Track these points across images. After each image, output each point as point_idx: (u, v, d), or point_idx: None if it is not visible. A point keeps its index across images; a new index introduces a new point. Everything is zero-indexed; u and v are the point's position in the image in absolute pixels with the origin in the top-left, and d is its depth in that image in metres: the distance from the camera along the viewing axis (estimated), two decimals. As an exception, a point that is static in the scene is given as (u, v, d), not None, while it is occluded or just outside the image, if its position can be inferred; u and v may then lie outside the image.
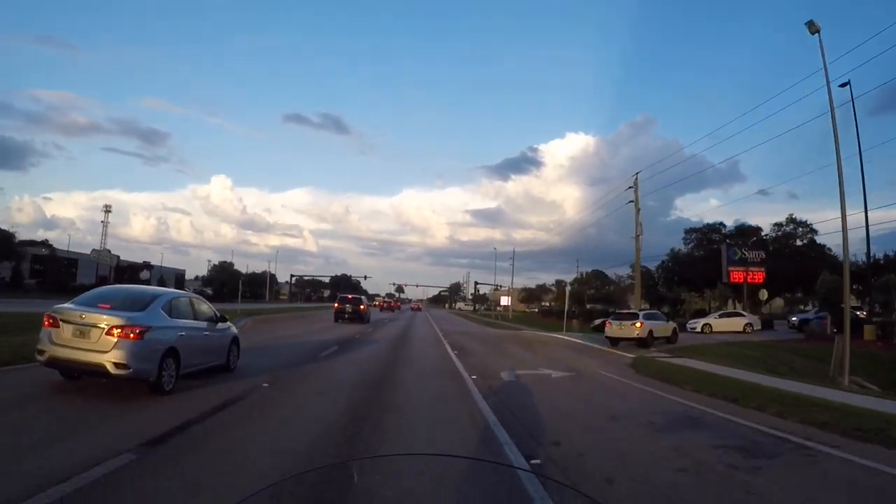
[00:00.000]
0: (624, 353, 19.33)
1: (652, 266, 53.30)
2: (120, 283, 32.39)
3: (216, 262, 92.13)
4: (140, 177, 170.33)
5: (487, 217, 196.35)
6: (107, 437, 5.32)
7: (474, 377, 11.41)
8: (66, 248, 71.99)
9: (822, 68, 15.58)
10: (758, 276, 40.56)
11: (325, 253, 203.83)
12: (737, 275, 40.82)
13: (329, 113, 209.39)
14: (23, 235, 60.06)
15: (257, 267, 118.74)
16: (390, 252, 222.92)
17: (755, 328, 34.36)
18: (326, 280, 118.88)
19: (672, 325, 25.35)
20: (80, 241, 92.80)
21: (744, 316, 35.07)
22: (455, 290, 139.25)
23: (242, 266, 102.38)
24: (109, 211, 78.92)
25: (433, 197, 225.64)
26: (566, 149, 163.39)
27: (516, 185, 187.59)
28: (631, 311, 26.58)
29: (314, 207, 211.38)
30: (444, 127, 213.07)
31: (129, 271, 64.80)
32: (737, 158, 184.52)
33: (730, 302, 45.03)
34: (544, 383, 11.43)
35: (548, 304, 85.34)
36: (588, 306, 51.87)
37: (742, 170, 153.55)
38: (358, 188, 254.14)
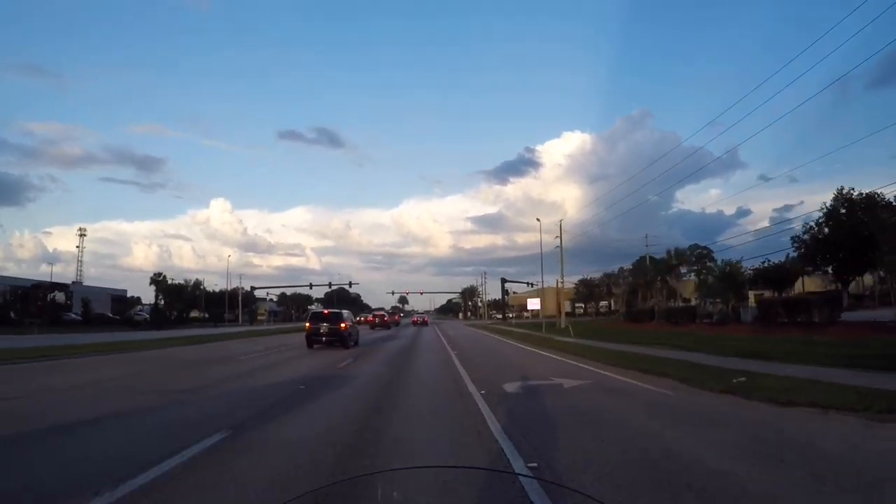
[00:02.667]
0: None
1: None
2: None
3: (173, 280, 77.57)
4: (139, 205, 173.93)
5: (489, 223, 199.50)
6: None
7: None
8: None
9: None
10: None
11: (328, 270, 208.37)
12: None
13: (323, 127, 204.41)
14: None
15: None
16: (394, 265, 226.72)
17: None
18: (320, 295, 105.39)
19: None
20: (85, 273, 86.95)
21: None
22: (469, 295, 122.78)
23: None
24: (84, 235, 79.02)
25: (433, 206, 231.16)
26: (563, 148, 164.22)
27: (515, 188, 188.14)
28: None
29: (315, 225, 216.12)
30: (439, 134, 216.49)
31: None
32: (736, 145, 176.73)
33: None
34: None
35: (608, 303, 71.90)
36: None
37: (742, 157, 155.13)
38: (357, 202, 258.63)
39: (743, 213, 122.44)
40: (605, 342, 23.97)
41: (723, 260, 42.85)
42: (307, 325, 25.28)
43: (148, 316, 56.37)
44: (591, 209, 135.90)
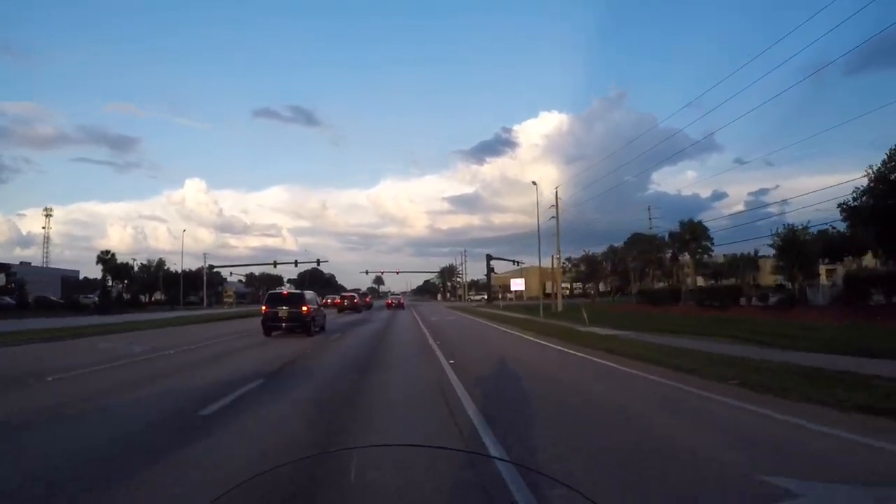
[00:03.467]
0: None
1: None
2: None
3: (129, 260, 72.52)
4: (113, 186, 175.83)
5: (465, 203, 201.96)
6: None
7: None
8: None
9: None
10: None
11: (305, 251, 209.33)
12: None
13: (298, 105, 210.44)
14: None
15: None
16: (371, 245, 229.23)
17: None
18: (293, 276, 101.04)
19: None
20: (59, 256, 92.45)
21: None
22: (449, 275, 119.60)
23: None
24: (50, 216, 74.96)
25: (410, 186, 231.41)
26: (541, 128, 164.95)
27: (492, 168, 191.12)
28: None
29: (291, 205, 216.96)
30: (416, 113, 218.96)
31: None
32: (713, 129, 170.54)
33: None
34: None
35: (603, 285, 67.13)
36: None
37: (718, 139, 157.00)
38: (334, 182, 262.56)
39: (718, 195, 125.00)
40: (645, 333, 18.69)
41: (785, 225, 32.93)
42: (263, 307, 21.84)
43: (97, 299, 51.40)
44: (568, 190, 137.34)
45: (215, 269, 73.31)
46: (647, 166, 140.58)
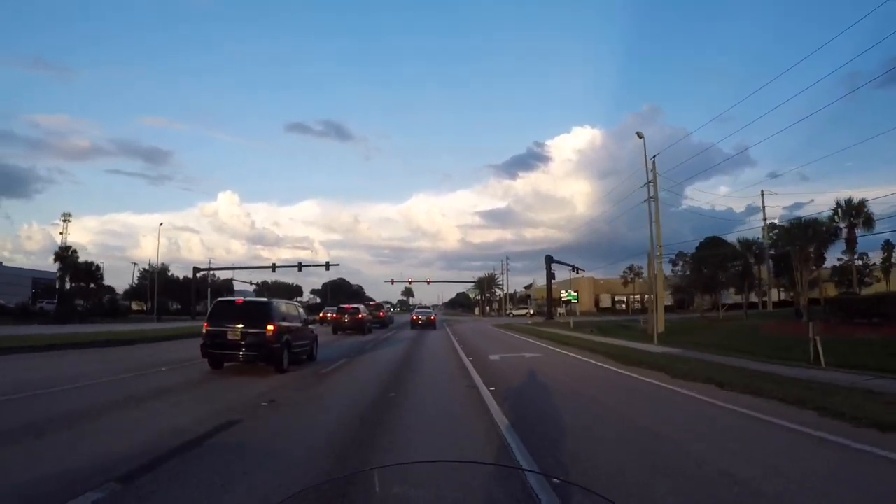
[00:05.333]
0: None
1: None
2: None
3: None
4: (148, 198, 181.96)
5: (497, 217, 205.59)
6: None
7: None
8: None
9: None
10: None
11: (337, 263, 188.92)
12: None
13: (330, 120, 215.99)
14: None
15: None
16: (402, 259, 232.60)
17: None
18: (317, 286, 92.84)
19: None
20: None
21: None
22: (488, 285, 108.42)
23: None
24: (69, 221, 67.96)
25: (442, 201, 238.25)
26: (573, 143, 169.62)
27: (524, 182, 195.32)
28: None
29: (323, 218, 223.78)
30: (448, 127, 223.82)
31: None
32: (746, 143, 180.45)
33: None
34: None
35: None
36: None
37: (752, 154, 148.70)
38: (366, 196, 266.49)
39: (752, 210, 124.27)
40: None
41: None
42: (205, 326, 13.40)
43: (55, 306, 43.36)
44: (601, 206, 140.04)
45: (205, 273, 64.31)
46: (680, 180, 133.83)
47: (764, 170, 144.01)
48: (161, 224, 59.88)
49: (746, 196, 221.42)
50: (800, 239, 36.09)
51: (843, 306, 29.84)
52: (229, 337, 12.94)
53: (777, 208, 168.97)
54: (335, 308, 34.92)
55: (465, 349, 20.31)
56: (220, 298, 14.94)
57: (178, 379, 11.72)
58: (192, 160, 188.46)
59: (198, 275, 70.07)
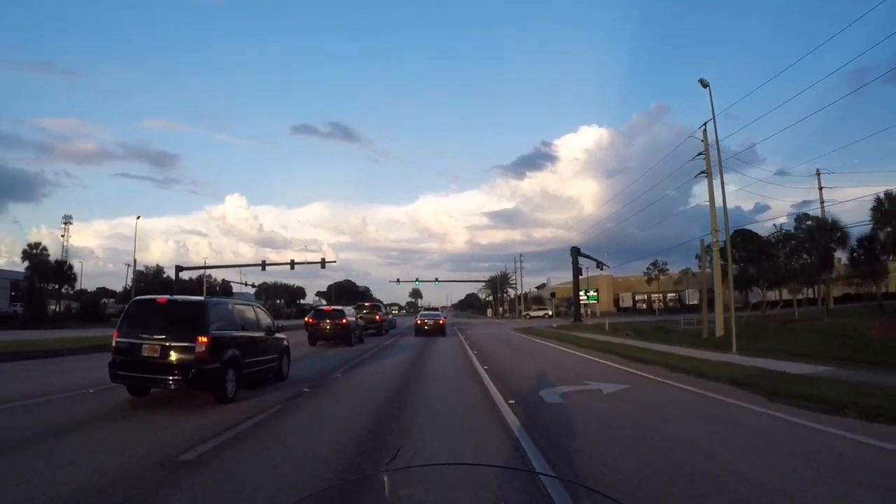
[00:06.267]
0: None
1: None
2: None
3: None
4: (156, 201, 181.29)
5: (505, 218, 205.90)
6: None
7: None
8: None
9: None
10: None
11: (345, 266, 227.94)
12: None
13: (337, 121, 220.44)
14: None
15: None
16: (410, 260, 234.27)
17: None
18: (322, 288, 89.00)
19: None
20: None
21: None
22: (501, 284, 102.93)
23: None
24: (69, 223, 71.47)
25: (449, 202, 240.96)
26: (580, 142, 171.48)
27: (532, 182, 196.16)
28: None
29: (331, 220, 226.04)
30: (455, 128, 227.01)
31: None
32: (754, 140, 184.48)
33: None
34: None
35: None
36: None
37: (760, 151, 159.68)
38: (373, 198, 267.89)
39: (761, 208, 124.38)
40: None
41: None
42: (115, 335, 9.42)
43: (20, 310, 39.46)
44: (610, 205, 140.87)
45: (182, 270, 59.75)
46: (688, 179, 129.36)
47: (772, 167, 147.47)
48: (138, 217, 55.61)
49: (755, 194, 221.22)
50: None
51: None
52: (145, 353, 8.81)
53: (786, 206, 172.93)
54: (311, 313, 26.32)
55: (492, 373, 13.28)
56: (137, 297, 10.55)
57: (65, 418, 7.56)
58: (199, 163, 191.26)
59: (187, 275, 66.62)
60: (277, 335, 12.02)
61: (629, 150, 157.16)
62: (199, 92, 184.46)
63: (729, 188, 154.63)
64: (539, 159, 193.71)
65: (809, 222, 41.33)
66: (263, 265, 58.10)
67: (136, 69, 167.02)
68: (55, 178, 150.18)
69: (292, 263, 58.35)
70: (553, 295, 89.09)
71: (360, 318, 29.17)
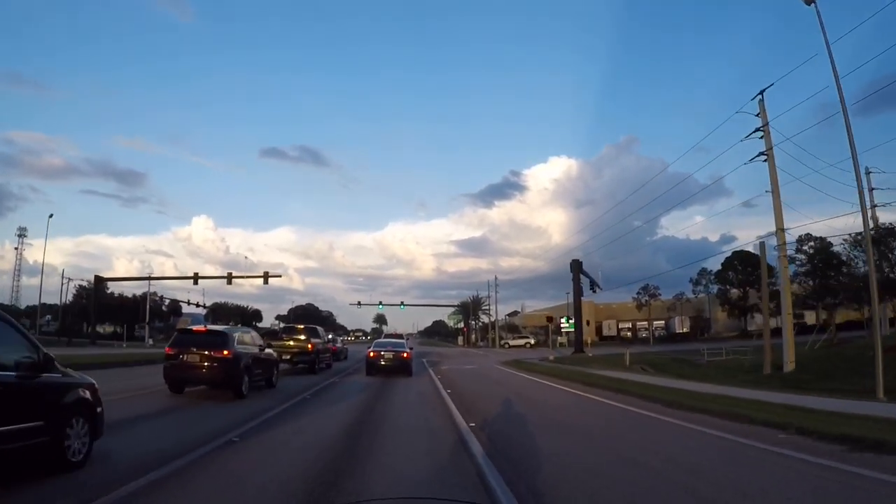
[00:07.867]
0: None
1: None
2: None
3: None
4: (122, 220, 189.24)
5: (473, 246, 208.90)
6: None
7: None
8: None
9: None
10: None
11: (312, 291, 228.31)
12: None
13: (306, 146, 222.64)
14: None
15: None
16: (377, 287, 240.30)
17: None
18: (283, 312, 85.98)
19: None
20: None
21: None
22: (473, 310, 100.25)
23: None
24: (24, 236, 72.56)
25: (417, 230, 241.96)
26: (550, 173, 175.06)
27: (500, 211, 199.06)
28: None
29: (298, 245, 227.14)
30: (424, 156, 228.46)
31: None
32: (722, 173, 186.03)
33: None
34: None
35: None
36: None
37: (727, 184, 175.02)
38: (342, 224, 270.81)
39: (727, 239, 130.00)
40: None
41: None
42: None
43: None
44: (579, 236, 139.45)
45: (106, 282, 57.41)
46: (657, 211, 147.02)
47: (738, 198, 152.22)
48: (51, 215, 53.53)
49: (721, 225, 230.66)
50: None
51: None
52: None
53: (751, 237, 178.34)
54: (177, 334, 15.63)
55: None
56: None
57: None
58: (166, 183, 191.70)
59: (130, 292, 63.60)
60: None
61: (599, 181, 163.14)
62: (169, 112, 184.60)
63: (696, 219, 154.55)
64: (508, 188, 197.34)
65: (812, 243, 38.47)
66: (196, 278, 57.08)
67: (105, 87, 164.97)
68: (20, 192, 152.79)
69: (229, 277, 58.36)
70: (515, 325, 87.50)
71: (278, 345, 20.88)
